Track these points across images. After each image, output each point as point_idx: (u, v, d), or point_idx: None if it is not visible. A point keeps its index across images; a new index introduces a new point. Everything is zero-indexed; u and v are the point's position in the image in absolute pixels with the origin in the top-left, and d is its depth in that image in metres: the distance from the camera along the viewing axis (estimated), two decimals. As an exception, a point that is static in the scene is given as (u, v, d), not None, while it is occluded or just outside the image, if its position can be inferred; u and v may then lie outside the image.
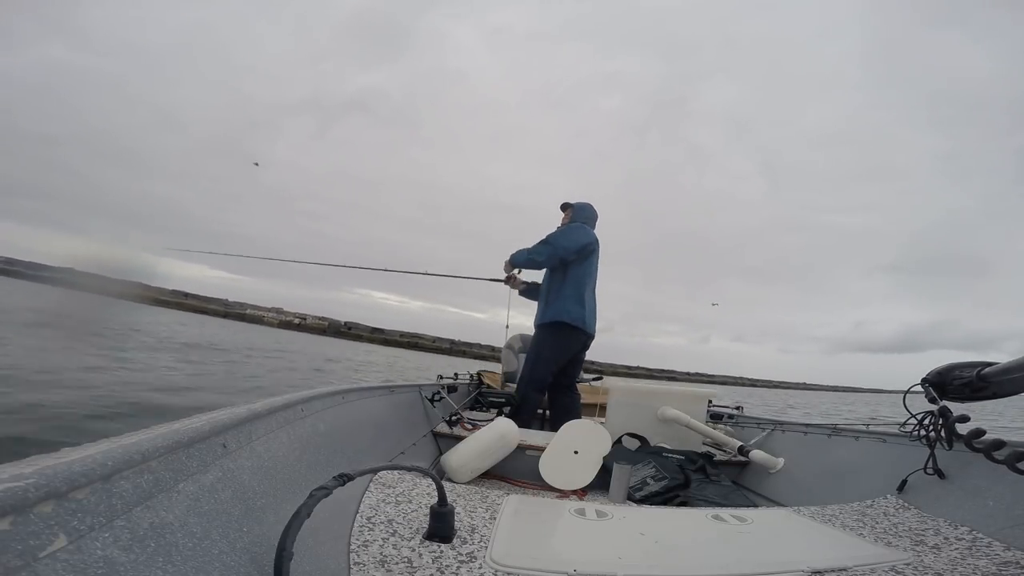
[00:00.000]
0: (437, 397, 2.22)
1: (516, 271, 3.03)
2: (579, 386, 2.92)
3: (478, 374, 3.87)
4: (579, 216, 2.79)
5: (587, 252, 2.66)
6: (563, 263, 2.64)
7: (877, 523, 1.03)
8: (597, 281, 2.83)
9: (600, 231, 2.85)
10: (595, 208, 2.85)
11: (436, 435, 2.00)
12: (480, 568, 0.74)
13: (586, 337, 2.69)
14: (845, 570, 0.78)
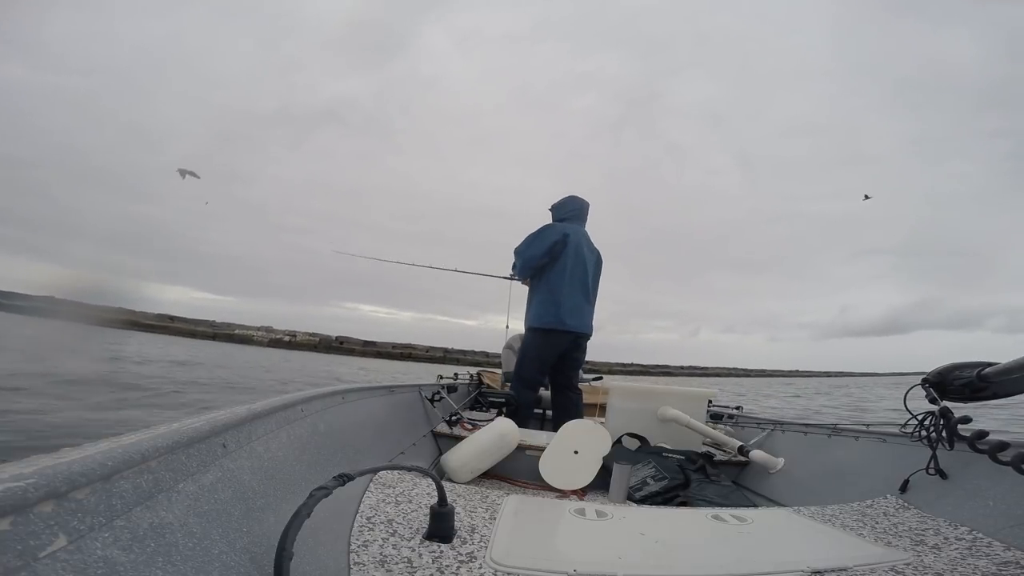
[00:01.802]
0: (437, 397, 2.22)
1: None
2: (579, 386, 2.92)
3: (478, 374, 3.87)
4: (558, 214, 2.78)
5: (556, 251, 2.61)
6: (537, 269, 2.66)
7: (877, 523, 1.03)
8: (589, 271, 2.72)
9: (588, 230, 2.82)
10: (579, 198, 2.79)
11: (436, 435, 2.00)
12: (480, 568, 0.74)
13: (573, 336, 2.63)
14: (845, 570, 0.78)
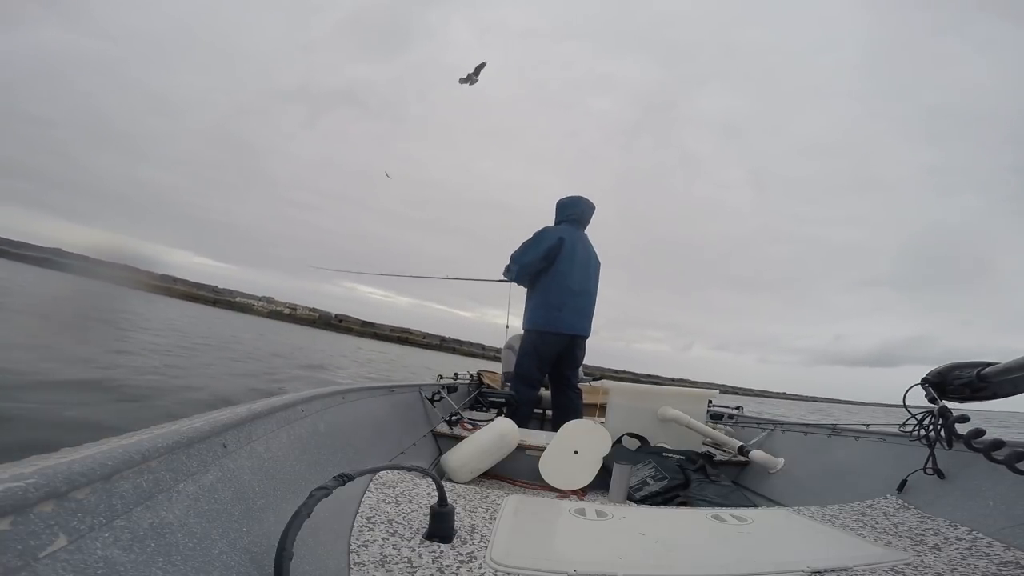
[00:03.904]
0: (437, 397, 2.22)
1: None
2: (579, 386, 2.93)
3: (478, 374, 3.87)
4: (561, 214, 2.83)
5: (552, 255, 2.67)
6: (535, 273, 2.74)
7: (877, 523, 1.03)
8: (588, 274, 2.76)
9: (588, 234, 2.84)
10: (586, 201, 2.82)
11: (436, 435, 2.00)
12: (480, 568, 0.74)
13: (568, 337, 2.69)
14: (845, 570, 0.78)
